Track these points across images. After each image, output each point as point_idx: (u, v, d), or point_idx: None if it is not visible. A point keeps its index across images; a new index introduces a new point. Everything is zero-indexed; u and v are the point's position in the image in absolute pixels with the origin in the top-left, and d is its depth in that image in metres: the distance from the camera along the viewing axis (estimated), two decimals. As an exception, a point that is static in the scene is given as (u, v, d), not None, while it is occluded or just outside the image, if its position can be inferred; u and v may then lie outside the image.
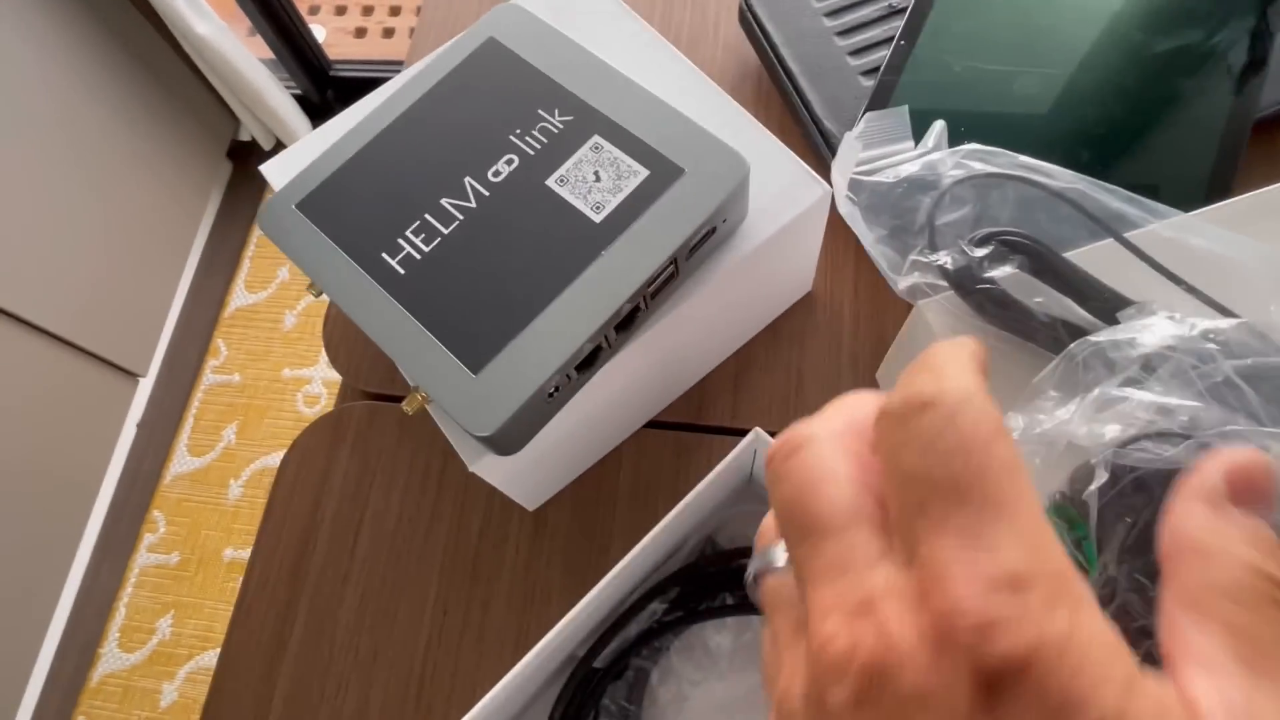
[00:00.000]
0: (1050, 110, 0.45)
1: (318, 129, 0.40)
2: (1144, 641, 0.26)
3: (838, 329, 0.44)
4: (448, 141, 0.35)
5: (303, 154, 0.39)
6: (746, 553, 0.38)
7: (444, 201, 0.33)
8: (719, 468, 0.32)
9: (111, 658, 1.28)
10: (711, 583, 0.37)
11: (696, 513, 0.34)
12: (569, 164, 0.33)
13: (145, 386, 1.41)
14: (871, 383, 0.43)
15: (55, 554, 1.27)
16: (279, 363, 1.45)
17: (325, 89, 1.58)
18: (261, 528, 0.44)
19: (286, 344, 1.47)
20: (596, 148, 0.34)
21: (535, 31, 0.36)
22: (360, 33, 1.72)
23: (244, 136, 1.59)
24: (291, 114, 1.48)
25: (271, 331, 1.48)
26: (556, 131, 0.34)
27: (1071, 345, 0.26)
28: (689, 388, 0.44)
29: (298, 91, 1.54)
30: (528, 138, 0.34)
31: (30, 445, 1.19)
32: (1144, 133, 0.44)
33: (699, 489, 0.31)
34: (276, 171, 0.39)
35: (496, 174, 0.34)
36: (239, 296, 1.51)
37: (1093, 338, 0.26)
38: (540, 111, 0.35)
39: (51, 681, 1.25)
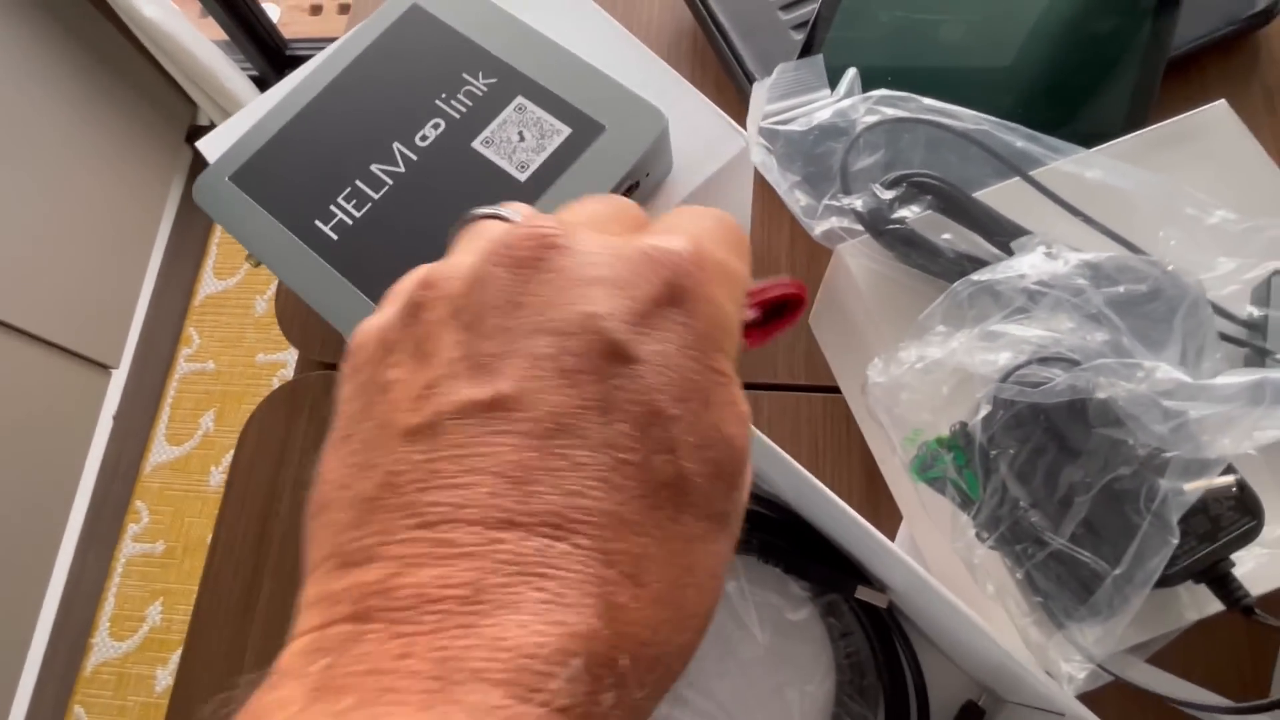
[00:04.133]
0: (975, 56, 0.46)
1: (251, 104, 0.40)
2: (1036, 552, 0.27)
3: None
4: (375, 108, 0.35)
5: (237, 128, 0.39)
6: None
7: (374, 167, 0.34)
8: None
9: (104, 647, 1.29)
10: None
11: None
12: (494, 125, 0.34)
13: (119, 378, 1.41)
14: (807, 329, 0.44)
15: (39, 548, 1.28)
16: (253, 348, 1.45)
17: (282, 69, 1.55)
18: (224, 499, 0.45)
19: (259, 329, 1.46)
20: (520, 108, 0.34)
21: (457, -4, 0.37)
22: (315, 10, 1.70)
23: (202, 121, 1.57)
24: (249, 96, 1.46)
25: (243, 317, 1.47)
26: (481, 94, 0.35)
27: (955, 284, 0.27)
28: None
29: (254, 73, 1.52)
30: (453, 101, 0.35)
31: (5, 442, 1.19)
32: (1063, 75, 0.45)
33: None
34: (213, 147, 0.40)
35: (424, 138, 0.35)
36: (208, 283, 1.50)
37: (974, 276, 0.27)
38: (465, 75, 0.35)
39: (45, 672, 1.26)
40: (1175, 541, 0.22)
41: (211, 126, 1.52)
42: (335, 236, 0.33)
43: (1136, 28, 0.45)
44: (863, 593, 0.36)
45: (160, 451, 1.39)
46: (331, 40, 0.35)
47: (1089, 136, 0.45)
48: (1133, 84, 0.44)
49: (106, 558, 1.33)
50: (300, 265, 0.33)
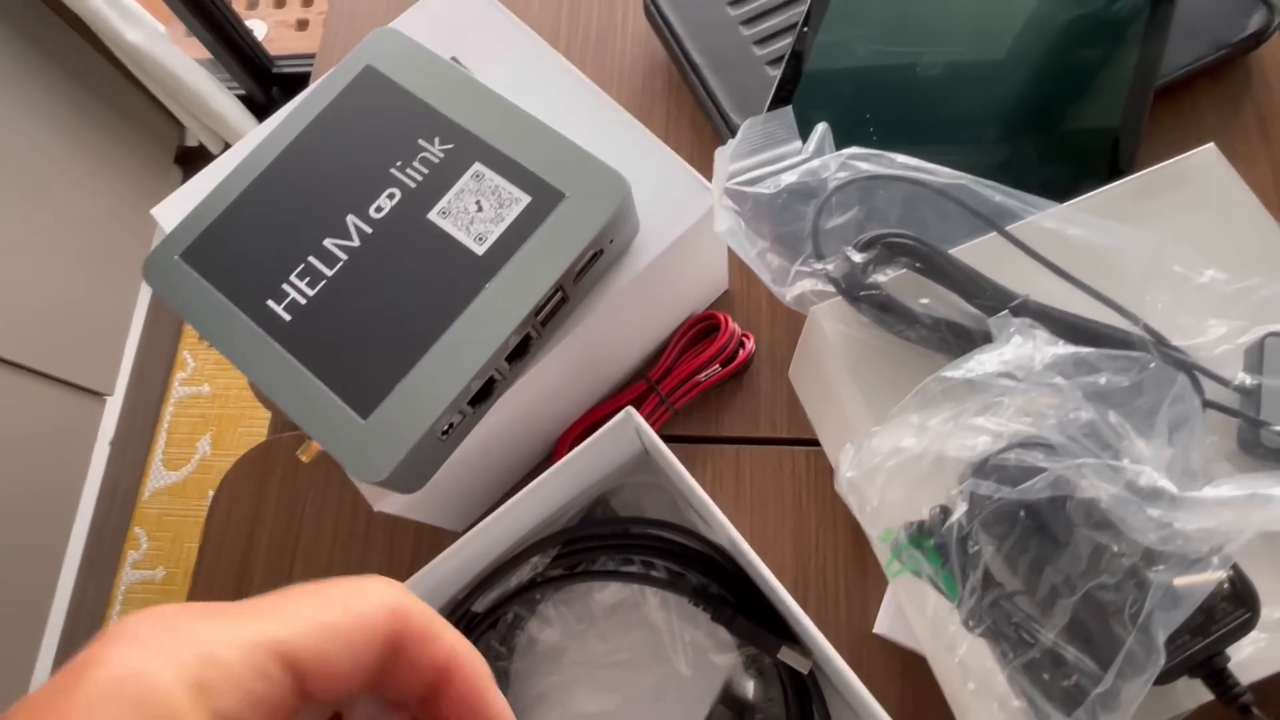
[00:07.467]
0: (957, 92, 0.44)
1: (205, 169, 0.39)
2: (1021, 652, 0.26)
3: (755, 326, 0.44)
4: (329, 178, 0.34)
5: (191, 195, 0.38)
6: (635, 521, 0.39)
7: (327, 242, 0.33)
8: (592, 438, 0.33)
9: (107, 675, 1.29)
10: (593, 544, 0.38)
11: (573, 478, 0.35)
12: (450, 195, 0.33)
13: (114, 405, 1.40)
14: (786, 380, 0.43)
15: (39, 578, 1.27)
16: (247, 370, 1.44)
17: (269, 87, 1.54)
18: (197, 564, 0.44)
19: (253, 351, 1.46)
20: (478, 176, 0.33)
21: (412, 56, 0.36)
22: (302, 25, 1.68)
23: (190, 142, 1.56)
24: (237, 115, 1.44)
25: (237, 339, 1.47)
26: (437, 161, 0.34)
27: (926, 381, 0.26)
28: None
29: (241, 92, 1.51)
30: (409, 169, 0.34)
31: (1, 472, 1.18)
32: (1047, 108, 0.44)
33: (570, 456, 0.33)
34: (168, 214, 0.39)
35: (379, 210, 0.33)
36: (201, 306, 1.49)
37: (944, 373, 0.26)
38: (420, 141, 0.34)
39: (49, 703, 1.26)
40: (1162, 663, 0.21)
41: (200, 147, 1.52)
42: (288, 317, 0.32)
43: (1123, 58, 0.43)
44: (786, 654, 0.34)
45: (158, 477, 1.39)
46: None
47: (1079, 170, 0.43)
48: (1121, 114, 0.43)
49: (107, 586, 1.33)
50: (252, 349, 0.32)
